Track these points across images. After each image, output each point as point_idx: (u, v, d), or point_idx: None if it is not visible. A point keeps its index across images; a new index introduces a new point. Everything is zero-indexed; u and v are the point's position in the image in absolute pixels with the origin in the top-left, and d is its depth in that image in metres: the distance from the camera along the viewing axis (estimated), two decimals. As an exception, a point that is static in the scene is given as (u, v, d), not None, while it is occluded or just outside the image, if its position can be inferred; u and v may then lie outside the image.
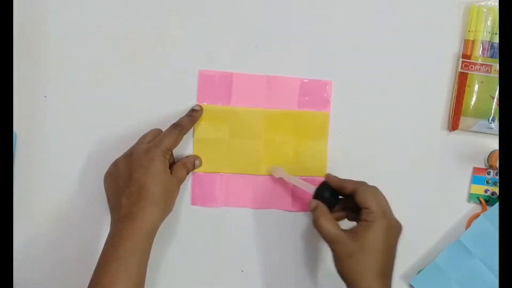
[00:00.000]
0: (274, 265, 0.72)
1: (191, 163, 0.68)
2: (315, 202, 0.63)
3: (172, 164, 0.67)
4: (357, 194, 0.61)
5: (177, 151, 0.69)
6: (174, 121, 0.68)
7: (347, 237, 0.59)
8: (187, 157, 0.69)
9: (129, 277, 0.57)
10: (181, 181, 0.66)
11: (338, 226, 0.61)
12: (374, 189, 0.62)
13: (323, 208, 0.62)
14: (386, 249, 0.59)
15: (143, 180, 0.61)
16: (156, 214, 0.61)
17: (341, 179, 0.64)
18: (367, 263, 0.58)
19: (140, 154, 0.62)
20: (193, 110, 0.68)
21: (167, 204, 0.63)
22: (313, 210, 0.62)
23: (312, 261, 0.72)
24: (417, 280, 0.71)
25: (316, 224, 0.61)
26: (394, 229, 0.60)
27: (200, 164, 0.69)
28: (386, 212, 0.60)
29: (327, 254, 0.72)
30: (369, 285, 0.57)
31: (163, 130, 0.66)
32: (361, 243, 0.58)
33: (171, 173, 0.64)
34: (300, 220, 0.72)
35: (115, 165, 0.64)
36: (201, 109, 0.69)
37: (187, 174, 0.68)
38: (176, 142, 0.65)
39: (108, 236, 0.60)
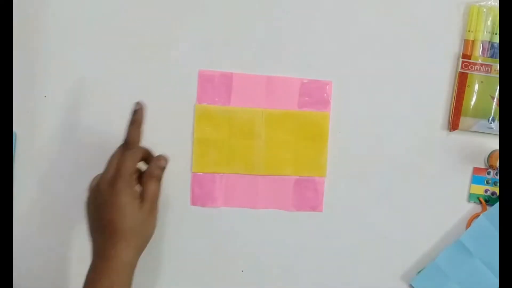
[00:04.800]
0: (274, 265, 0.72)
1: (158, 168, 0.62)
2: None
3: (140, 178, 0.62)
4: None
5: (176, 151, 0.69)
6: (174, 121, 0.68)
7: None
8: (149, 165, 0.62)
9: None
10: (153, 199, 0.61)
11: None
12: None
13: None
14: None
15: (109, 216, 0.59)
16: (128, 250, 0.59)
17: None
18: None
19: (105, 187, 0.59)
20: (134, 113, 0.60)
21: (140, 238, 0.60)
22: None
23: (312, 260, 0.72)
24: (417, 280, 0.71)
25: None
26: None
27: (167, 160, 0.62)
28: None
29: (327, 254, 0.72)
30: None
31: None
32: None
33: (142, 193, 0.60)
34: (300, 220, 0.72)
35: (92, 192, 0.62)
36: (141, 107, 0.60)
37: (159, 183, 0.62)
38: (135, 161, 0.61)
39: (88, 271, 0.59)
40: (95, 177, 0.62)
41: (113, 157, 0.61)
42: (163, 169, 0.62)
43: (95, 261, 0.59)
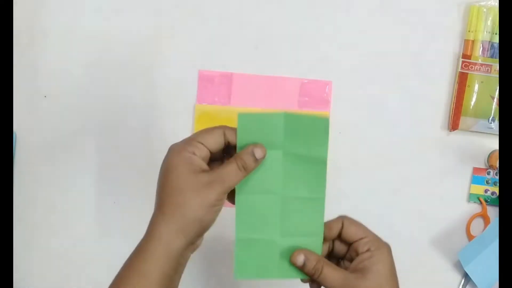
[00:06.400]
0: (274, 265, 0.72)
1: (250, 155, 0.47)
2: (303, 255, 0.49)
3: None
4: (345, 229, 0.51)
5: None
6: (174, 120, 0.68)
7: (355, 277, 0.49)
8: (244, 149, 0.48)
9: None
10: (221, 180, 0.47)
11: (342, 269, 0.50)
12: (352, 219, 0.53)
13: (319, 258, 0.50)
14: (395, 273, 0.51)
15: (159, 181, 0.48)
16: (163, 226, 0.47)
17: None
18: None
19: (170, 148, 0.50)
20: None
21: (181, 216, 0.47)
22: (307, 264, 0.49)
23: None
24: (463, 253, 0.70)
25: (319, 278, 0.49)
26: (390, 250, 0.52)
27: (264, 153, 0.48)
28: (377, 236, 0.52)
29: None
30: None
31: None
32: (374, 277, 0.49)
33: (214, 169, 0.47)
34: (300, 220, 0.72)
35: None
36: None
37: (242, 172, 0.47)
38: (215, 137, 0.48)
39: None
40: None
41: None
42: (255, 160, 0.48)
43: (141, 240, 0.48)
